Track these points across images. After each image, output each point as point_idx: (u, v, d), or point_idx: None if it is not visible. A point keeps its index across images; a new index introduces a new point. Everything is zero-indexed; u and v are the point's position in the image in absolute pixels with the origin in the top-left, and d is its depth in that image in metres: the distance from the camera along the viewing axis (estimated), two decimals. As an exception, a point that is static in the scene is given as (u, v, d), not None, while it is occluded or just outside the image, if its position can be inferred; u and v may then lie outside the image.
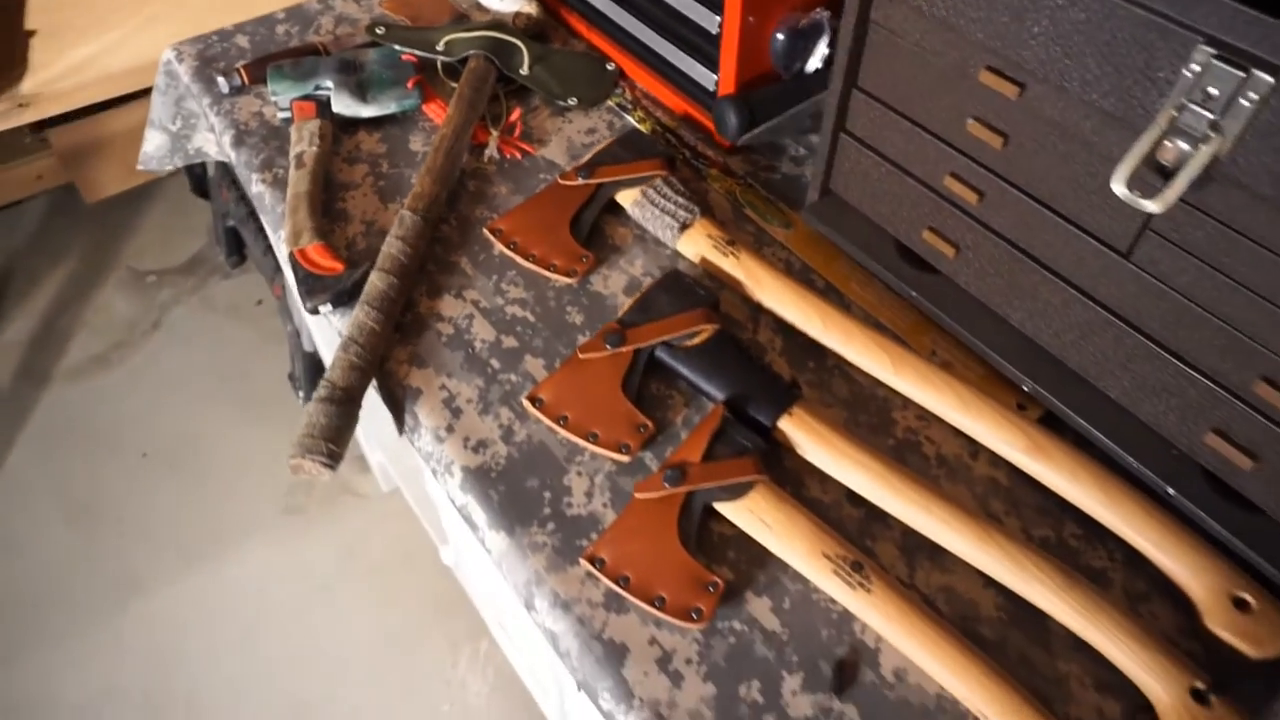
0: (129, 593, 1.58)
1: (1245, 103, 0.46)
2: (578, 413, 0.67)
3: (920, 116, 0.67)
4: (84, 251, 2.08)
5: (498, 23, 0.98)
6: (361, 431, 1.60)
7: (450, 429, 0.67)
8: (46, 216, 2.13)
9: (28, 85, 1.28)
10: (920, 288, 0.72)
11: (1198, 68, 0.47)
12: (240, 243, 2.00)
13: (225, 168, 1.84)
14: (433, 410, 0.68)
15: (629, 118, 0.92)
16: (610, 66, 0.97)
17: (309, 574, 1.61)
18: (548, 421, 0.67)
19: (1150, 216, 0.55)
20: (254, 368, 1.89)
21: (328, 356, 1.53)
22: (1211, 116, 0.47)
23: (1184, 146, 0.49)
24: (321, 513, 1.69)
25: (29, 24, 1.32)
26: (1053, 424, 0.66)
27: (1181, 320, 0.57)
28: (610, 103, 0.93)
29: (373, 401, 0.71)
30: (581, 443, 0.66)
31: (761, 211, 0.82)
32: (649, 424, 0.65)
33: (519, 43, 0.94)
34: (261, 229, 1.74)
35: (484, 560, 1.06)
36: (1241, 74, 0.45)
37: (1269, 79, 0.44)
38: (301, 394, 1.82)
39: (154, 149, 1.11)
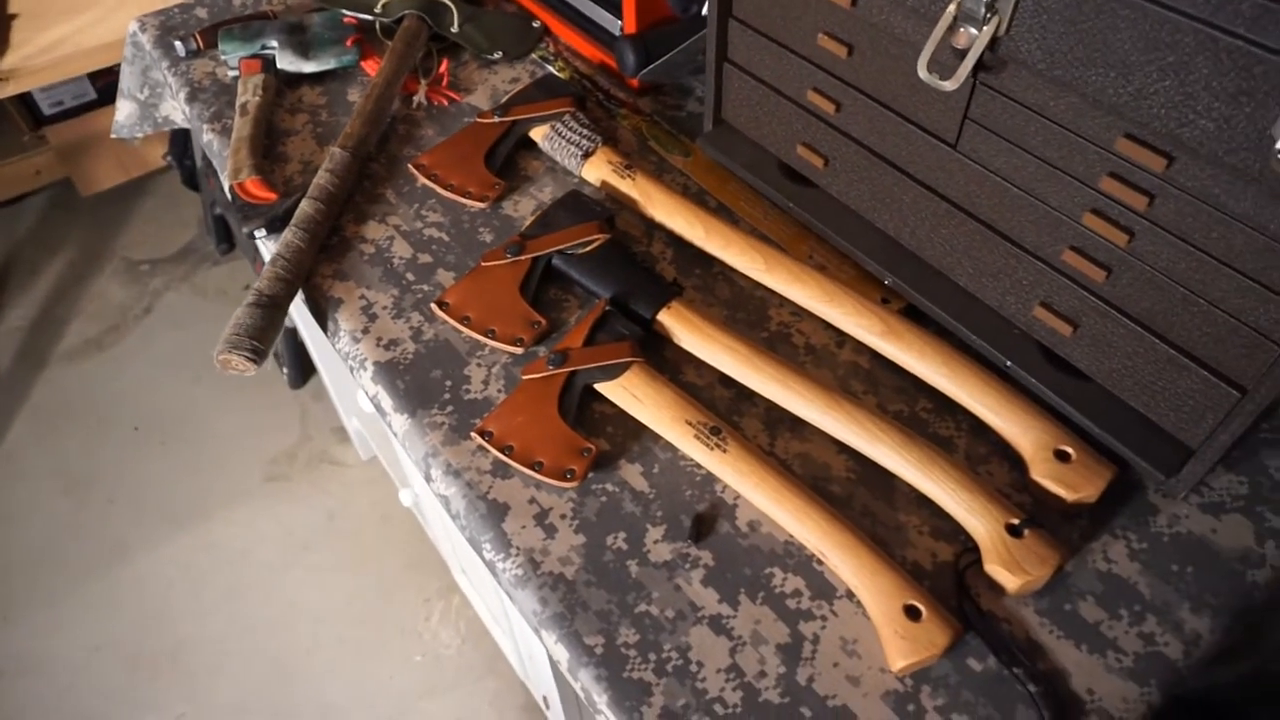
0: (119, 556, 1.66)
1: (1007, -19, 0.52)
2: (479, 313, 0.73)
3: (784, 37, 0.73)
4: (81, 243, 2.18)
5: (432, -14, 1.05)
6: (339, 401, 1.68)
7: (366, 330, 0.74)
8: (45, 210, 2.23)
9: (7, 62, 1.37)
10: (798, 200, 0.79)
11: (977, -42, 0.54)
12: (229, 231, 2.09)
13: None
14: (351, 315, 0.75)
15: (550, 68, 0.99)
16: (535, 24, 1.04)
17: (290, 537, 1.68)
18: (452, 322, 0.73)
19: (968, 106, 0.62)
20: (241, 347, 1.97)
21: (306, 332, 1.61)
22: (984, -2, 0.53)
23: (971, 31, 0.56)
24: (303, 480, 1.76)
25: (11, 9, 1.41)
26: (914, 316, 0.72)
27: (1003, 201, 0.63)
28: (534, 56, 1.00)
29: (345, 371, 0.78)
30: (481, 339, 0.72)
31: (664, 144, 0.89)
32: (542, 321, 0.72)
33: (449, 3, 1.02)
34: (244, 211, 1.83)
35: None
36: (994, -48, 0.51)
37: (1015, -45, 0.50)
38: (285, 371, 1.90)
39: (124, 117, 1.19)
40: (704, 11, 0.89)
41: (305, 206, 0.81)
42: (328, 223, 0.81)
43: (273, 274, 0.76)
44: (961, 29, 0.56)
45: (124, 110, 1.18)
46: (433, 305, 0.74)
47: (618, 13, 0.90)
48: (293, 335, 1.81)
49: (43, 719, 1.48)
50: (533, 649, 1.08)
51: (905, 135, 0.67)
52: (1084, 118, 0.55)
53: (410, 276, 0.78)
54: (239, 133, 0.90)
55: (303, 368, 1.89)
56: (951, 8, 0.56)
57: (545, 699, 1.21)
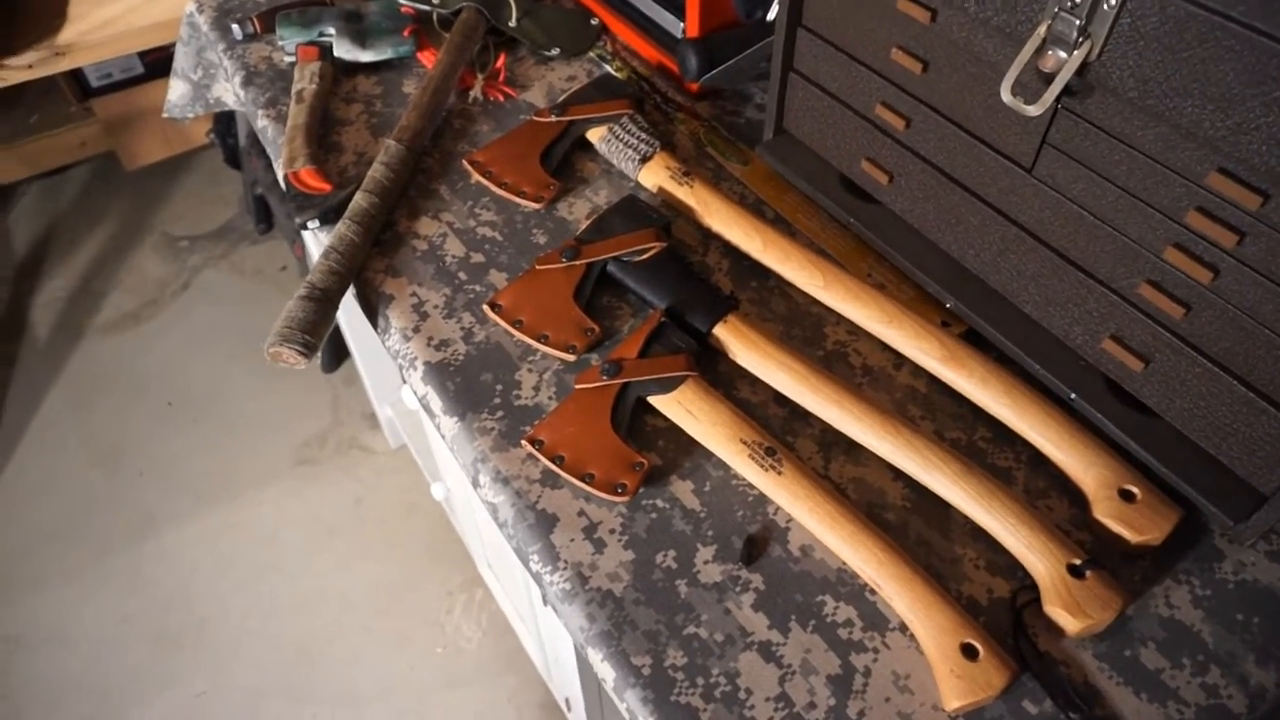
0: (147, 531, 1.67)
1: (1106, 7, 0.50)
2: (532, 317, 0.72)
3: (854, 49, 0.72)
4: (122, 216, 2.19)
5: (491, -20, 1.04)
6: (372, 390, 1.68)
7: (416, 329, 0.74)
8: (88, 182, 2.25)
9: (64, 36, 1.38)
10: (860, 216, 0.77)
11: (1069, -22, 0.52)
12: (268, 211, 2.10)
13: (254, 137, 1.93)
14: (402, 313, 0.75)
15: (607, 67, 0.97)
16: (594, 21, 1.02)
17: (317, 522, 1.69)
18: (504, 324, 0.73)
19: (1047, 131, 0.60)
20: (275, 328, 1.98)
21: (343, 317, 1.61)
22: (1079, 22, 0.52)
23: (1060, 54, 0.54)
24: (333, 465, 1.77)
25: (71, -18, 1.43)
26: (975, 341, 0.71)
27: (1078, 230, 0.61)
28: (592, 54, 0.99)
29: (381, 358, 0.77)
30: (533, 343, 0.71)
31: (722, 150, 0.87)
32: (596, 328, 0.71)
33: (509, -2, 1.01)
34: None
35: (471, 497, 1.12)
36: (1095, -23, 0.49)
37: (1119, -20, 0.49)
38: (319, 355, 1.90)
39: (177, 97, 1.19)
40: (769, 17, 0.87)
41: (359, 199, 0.80)
42: (382, 217, 0.80)
43: (325, 267, 0.75)
44: (1050, 51, 0.55)
45: (177, 90, 1.18)
46: (485, 306, 0.74)
47: (680, 14, 0.89)
48: (328, 319, 1.81)
49: (66, 691, 1.49)
50: (559, 651, 1.08)
51: (978, 156, 0.65)
52: (1174, 149, 0.53)
53: (463, 276, 0.77)
54: (294, 120, 0.89)
55: (337, 353, 1.89)
56: (1042, 29, 0.54)
57: (568, 701, 1.21)
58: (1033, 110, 0.55)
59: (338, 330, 1.85)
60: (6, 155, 2.05)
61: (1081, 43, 0.52)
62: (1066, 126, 0.58)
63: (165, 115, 1.21)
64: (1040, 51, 0.55)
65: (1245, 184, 0.50)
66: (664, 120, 0.91)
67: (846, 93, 0.74)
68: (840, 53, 0.73)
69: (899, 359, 0.71)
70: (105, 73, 2.00)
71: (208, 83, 1.17)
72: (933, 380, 0.70)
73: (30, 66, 1.40)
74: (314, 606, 1.58)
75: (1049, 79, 0.56)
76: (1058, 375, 0.66)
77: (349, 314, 1.53)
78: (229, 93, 1.17)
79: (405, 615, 1.57)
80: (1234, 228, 0.52)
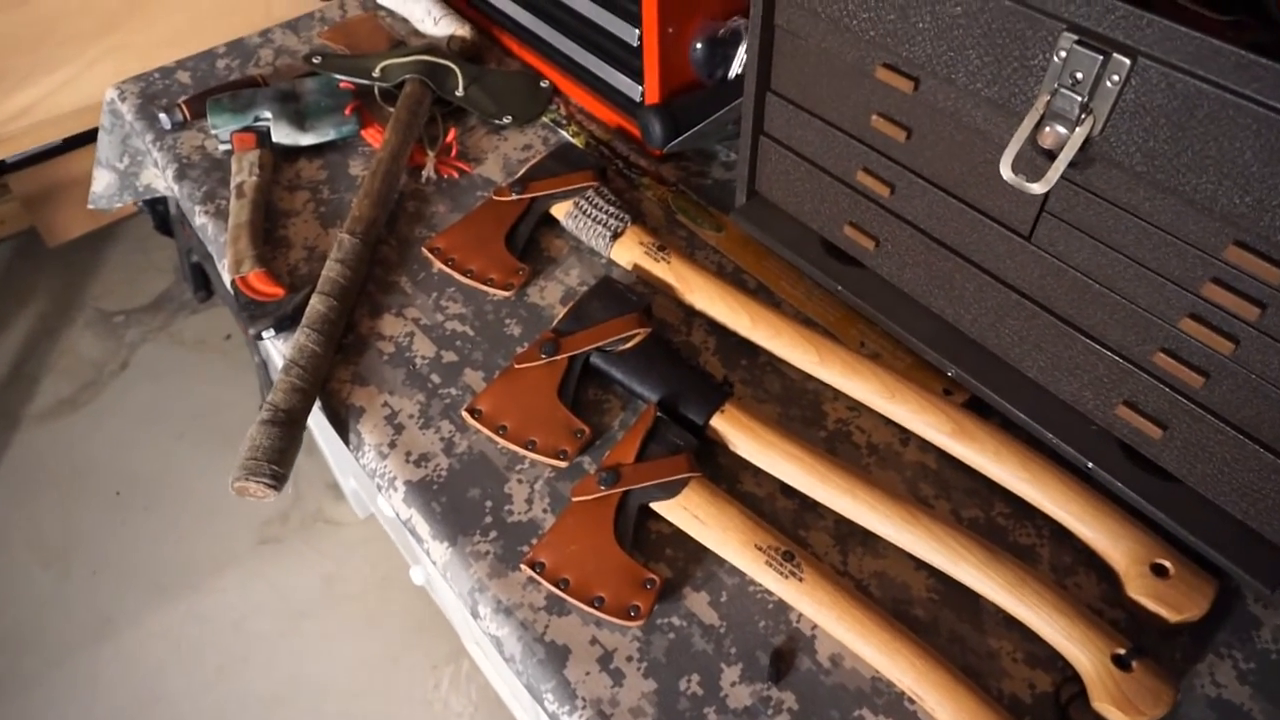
0: (104, 633, 1.58)
1: (1109, 84, 0.48)
2: (516, 421, 0.68)
3: (830, 115, 0.69)
4: (49, 294, 2.08)
5: (431, 46, 1.00)
6: (333, 459, 1.61)
7: (393, 444, 0.69)
8: (9, 261, 2.13)
9: (-26, 132, 1.29)
10: (845, 281, 0.74)
11: (1064, 54, 0.49)
12: (206, 277, 2.01)
13: (185, 204, 1.84)
14: (375, 427, 0.70)
15: (563, 133, 0.93)
16: (544, 84, 0.98)
17: (287, 604, 1.61)
18: (487, 432, 0.68)
19: (1046, 199, 0.57)
20: (225, 401, 1.89)
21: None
22: (1081, 99, 0.49)
23: (1061, 130, 0.51)
24: (298, 542, 1.69)
25: (-26, 71, 1.34)
26: (979, 408, 0.68)
27: (1084, 297, 0.59)
28: (545, 119, 0.95)
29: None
30: (520, 451, 0.67)
31: (693, 216, 0.84)
32: (585, 429, 0.67)
33: (453, 65, 0.96)
34: (223, 262, 1.75)
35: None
36: (1101, 57, 0.47)
37: (1126, 61, 0.46)
38: (272, 424, 1.82)
39: (103, 188, 1.12)
40: (730, 75, 0.84)
41: (317, 304, 0.75)
42: (342, 321, 0.75)
43: (287, 384, 0.70)
44: (1049, 127, 0.52)
45: (102, 181, 1.11)
46: (464, 413, 0.69)
47: (637, 78, 0.85)
48: (280, 390, 1.73)
49: (32, 815, 1.40)
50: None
51: (970, 222, 0.63)
52: (1187, 221, 0.51)
53: (436, 378, 0.73)
54: (237, 218, 0.84)
55: (291, 421, 1.81)
56: (1040, 104, 0.52)
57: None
58: (1037, 188, 0.52)
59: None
60: (-83, 241, 1.93)
61: (1084, 119, 0.50)
62: (1067, 196, 0.56)
63: (91, 206, 1.14)
64: (1039, 127, 0.53)
65: (1268, 258, 0.48)
66: (629, 187, 0.88)
67: (823, 158, 0.71)
68: (814, 118, 0.70)
69: (905, 434, 0.69)
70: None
71: (135, 170, 1.10)
72: (942, 454, 0.67)
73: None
74: (291, 697, 1.51)
75: (1047, 153, 0.53)
76: (1072, 443, 0.63)
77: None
78: (159, 179, 1.11)
79: (389, 696, 1.51)
80: (1255, 300, 0.50)
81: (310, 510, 1.73)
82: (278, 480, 0.65)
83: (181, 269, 2.04)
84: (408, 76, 0.94)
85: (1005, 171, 0.53)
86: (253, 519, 1.71)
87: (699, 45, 0.81)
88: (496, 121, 0.94)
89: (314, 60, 0.97)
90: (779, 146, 0.74)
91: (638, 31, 0.81)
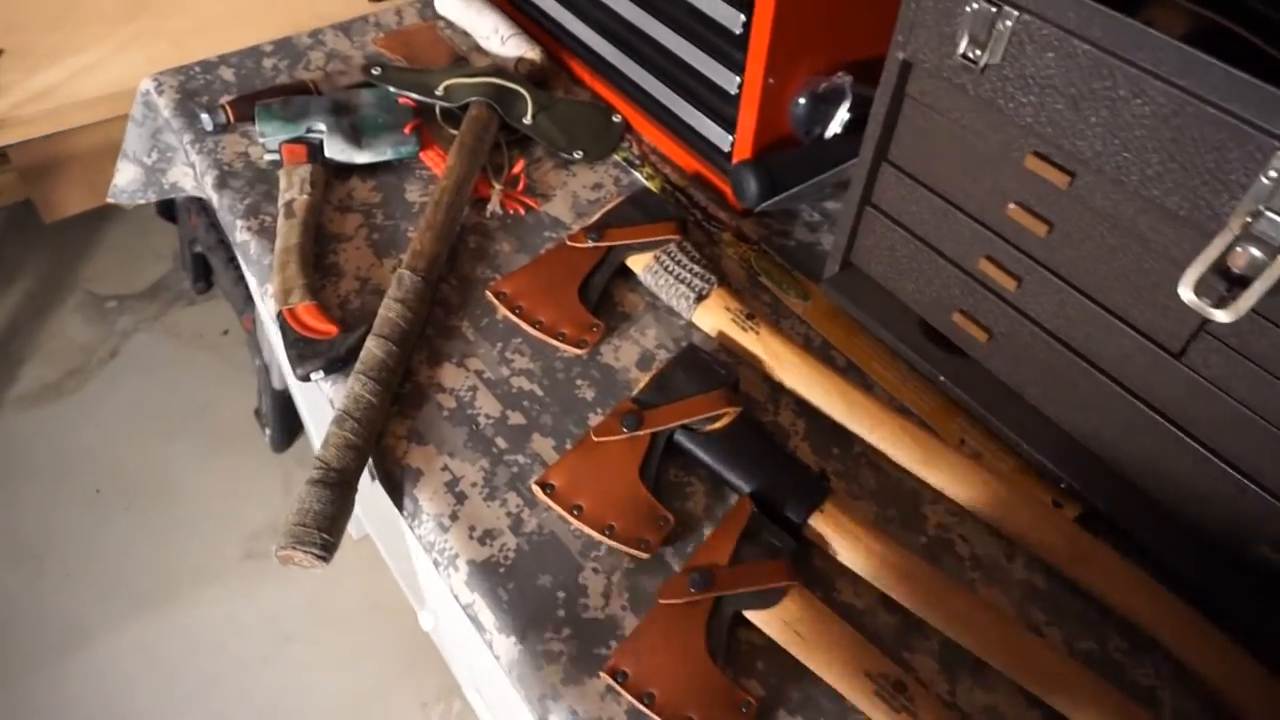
0: (75, 642, 1.49)
1: (1338, 219, 0.43)
2: (593, 501, 0.62)
3: (955, 195, 0.64)
4: (40, 272, 1.99)
5: (499, 68, 0.94)
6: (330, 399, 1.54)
7: (454, 517, 0.62)
8: (1, 232, 2.04)
9: (-7, 110, 1.21)
10: (949, 372, 0.69)
11: (1276, 174, 0.45)
12: (208, 269, 1.93)
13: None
14: (435, 494, 0.63)
15: (637, 174, 0.88)
16: (616, 118, 0.93)
17: (271, 625, 1.53)
18: (560, 510, 0.62)
19: (1206, 319, 0.53)
20: (218, 401, 1.81)
21: (300, 397, 1.47)
22: (1298, 230, 0.44)
23: (1257, 254, 0.46)
24: (286, 557, 1.61)
25: (-4, 43, 1.25)
26: (1091, 520, 0.63)
27: (1237, 427, 0.54)
28: (617, 157, 0.89)
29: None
30: (597, 536, 0.61)
31: (777, 280, 0.79)
32: (669, 517, 0.61)
33: (522, 90, 0.90)
34: (232, 258, 1.68)
35: (462, 620, 1.01)
36: (1340, 192, 0.42)
37: (1372, 200, 0.41)
38: (268, 432, 1.74)
39: (126, 182, 1.04)
40: (828, 133, 0.79)
41: (374, 348, 0.68)
42: (400, 368, 0.69)
43: (341, 440, 0.63)
44: (1241, 248, 0.47)
45: (126, 174, 1.04)
46: (534, 486, 0.63)
47: (728, 128, 0.80)
48: (280, 396, 1.66)
49: (-17, 836, 1.31)
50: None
51: (1108, 330, 0.58)
52: (1385, 368, 0.46)
53: (501, 443, 0.66)
54: (285, 241, 0.77)
55: (289, 428, 1.74)
56: (1235, 224, 0.47)
57: None
58: (1222, 317, 0.47)
59: (289, 403, 1.70)
60: (-96, 205, 1.83)
61: (1294, 250, 0.45)
62: (1240, 320, 0.51)
63: (110, 200, 1.06)
64: (1230, 248, 0.48)
65: None
66: (707, 242, 0.82)
67: (939, 239, 0.66)
68: (935, 196, 0.65)
69: (1009, 546, 0.63)
70: (22, 118, 1.80)
71: (163, 167, 1.03)
72: (1051, 571, 0.62)
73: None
74: (270, 723, 1.43)
75: (1236, 278, 0.49)
76: (1199, 577, 0.59)
77: (306, 391, 1.39)
78: (188, 178, 1.03)
79: (373, 730, 1.43)
80: None
81: (302, 525, 1.65)
82: (328, 551, 0.59)
83: (182, 257, 1.96)
84: (474, 99, 0.88)
85: (1186, 293, 0.48)
86: (241, 530, 1.63)
87: (802, 100, 0.76)
88: (565, 156, 0.88)
89: (373, 71, 0.91)
90: (886, 220, 0.69)
91: (738, 80, 0.75)
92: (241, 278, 1.65)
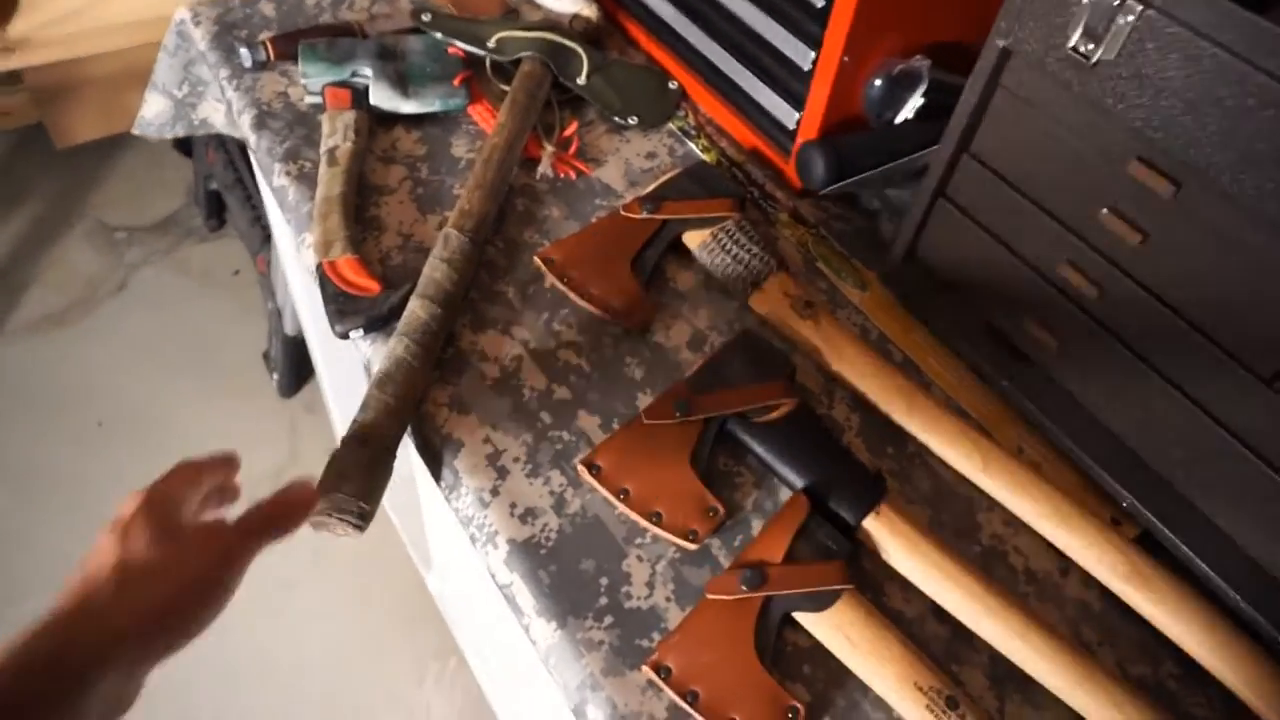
0: (59, 578, 1.47)
1: None
2: (640, 486, 0.60)
3: (1040, 195, 0.61)
4: (48, 198, 1.94)
5: (554, 24, 0.90)
6: (337, 416, 1.51)
7: (495, 492, 0.60)
8: (10, 155, 1.99)
9: (17, 27, 1.16)
10: (1013, 377, 0.67)
11: None
12: (221, 206, 1.89)
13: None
14: (475, 467, 0.61)
15: (692, 145, 0.84)
16: (673, 85, 0.89)
17: (269, 574, 1.50)
18: (605, 493, 0.60)
19: (1312, 349, 0.50)
20: (226, 341, 1.78)
21: (315, 343, 1.44)
22: None
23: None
24: (287, 506, 1.59)
25: (22, -43, 1.20)
26: (1149, 543, 0.61)
27: (1328, 464, 0.52)
28: (671, 125, 0.86)
29: (352, 380, 0.62)
30: (643, 522, 0.59)
31: (835, 267, 0.76)
32: (719, 507, 0.59)
33: (578, 48, 0.86)
34: (249, 197, 1.63)
35: (476, 590, 0.99)
36: None
37: None
38: (276, 376, 1.71)
39: (154, 114, 1.00)
40: (898, 118, 0.76)
41: (417, 309, 0.65)
42: (444, 332, 0.66)
43: (381, 403, 0.61)
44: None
45: (154, 106, 1.00)
46: (580, 466, 0.60)
47: (796, 104, 0.76)
48: (292, 341, 1.63)
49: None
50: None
51: (1195, 349, 0.56)
52: None
53: (546, 417, 0.64)
54: (328, 190, 0.74)
55: (298, 372, 1.71)
56: (1363, 255, 0.44)
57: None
58: (1339, 348, 0.45)
59: (300, 346, 1.67)
60: (-87, 119, 1.78)
61: None
62: (1347, 354, 0.49)
63: (136, 131, 1.02)
64: (1353, 277, 0.45)
65: None
66: (764, 221, 0.79)
67: (1018, 239, 0.64)
68: (1018, 194, 0.62)
69: (1064, 561, 0.61)
70: (39, 36, 1.74)
71: (194, 101, 0.99)
72: (1105, 591, 0.60)
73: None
74: (266, 673, 1.42)
75: (1354, 308, 0.46)
76: (1265, 612, 0.57)
77: (322, 333, 1.36)
78: (219, 114, 1.00)
79: (369, 687, 1.42)
80: None
81: (305, 474, 1.63)
82: (364, 520, 0.56)
83: (195, 193, 1.91)
84: (527, 54, 0.84)
85: (1300, 320, 0.46)
86: (244, 474, 1.60)
87: (878, 82, 0.73)
88: (620, 120, 0.85)
89: (422, 18, 0.87)
90: (960, 214, 0.66)
91: (813, 55, 0.72)
92: (259, 218, 1.61)
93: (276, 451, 1.65)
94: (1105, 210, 0.57)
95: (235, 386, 1.72)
